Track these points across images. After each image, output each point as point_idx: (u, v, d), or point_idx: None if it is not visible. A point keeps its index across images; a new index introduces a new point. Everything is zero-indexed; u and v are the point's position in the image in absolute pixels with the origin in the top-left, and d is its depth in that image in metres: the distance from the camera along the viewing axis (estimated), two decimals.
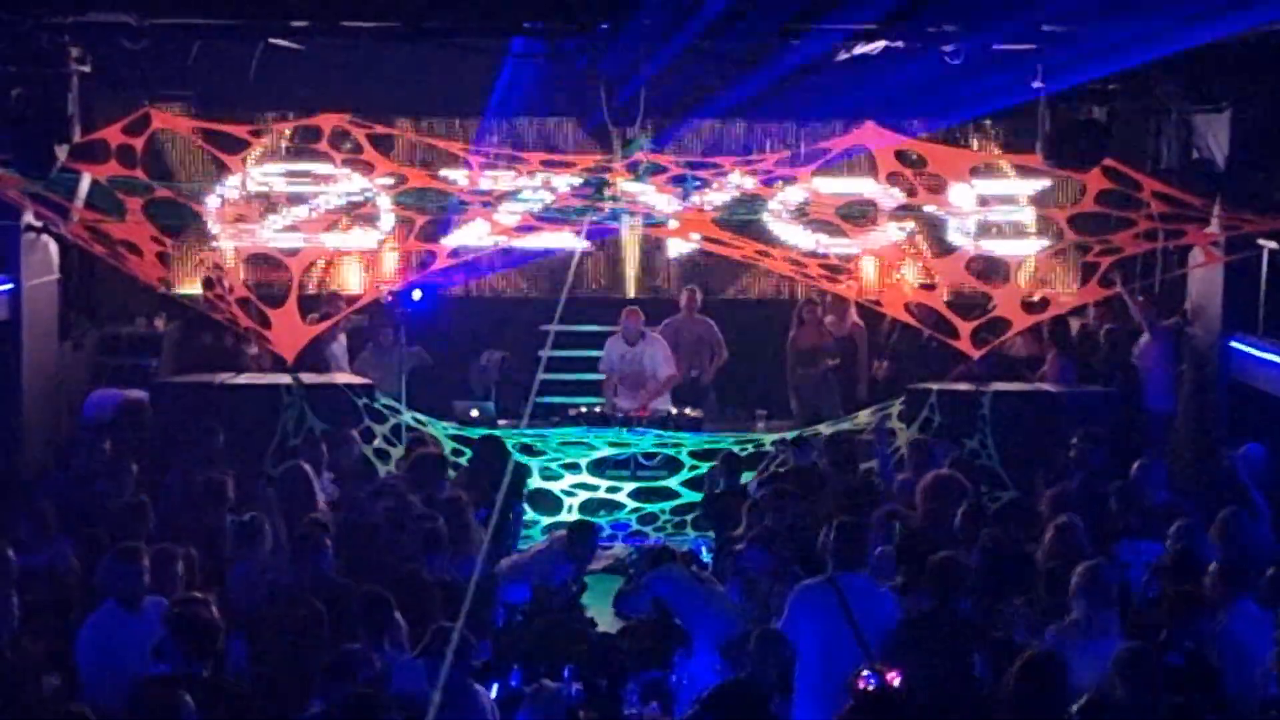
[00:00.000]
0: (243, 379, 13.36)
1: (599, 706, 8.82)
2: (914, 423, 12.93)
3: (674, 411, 14.37)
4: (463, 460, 12.72)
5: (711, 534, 12.45)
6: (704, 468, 13.12)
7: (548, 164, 13.26)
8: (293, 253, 13.69)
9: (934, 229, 14.92)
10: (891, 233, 13.99)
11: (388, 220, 14.36)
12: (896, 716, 7.00)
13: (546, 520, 13.20)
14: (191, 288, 15.29)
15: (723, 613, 9.50)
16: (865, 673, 7.24)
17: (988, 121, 15.61)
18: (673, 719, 8.77)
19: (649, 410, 14.28)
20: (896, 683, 7.14)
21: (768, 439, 13.30)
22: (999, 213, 14.58)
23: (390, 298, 14.57)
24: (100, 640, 8.04)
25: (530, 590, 10.21)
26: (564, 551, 10.63)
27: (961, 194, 13.71)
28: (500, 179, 13.57)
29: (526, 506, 13.08)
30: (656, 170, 12.77)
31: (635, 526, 13.49)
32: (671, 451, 13.68)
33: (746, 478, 12.38)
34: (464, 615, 7.33)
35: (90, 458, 11.43)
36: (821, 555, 8.83)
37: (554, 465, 13.51)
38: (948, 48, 10.84)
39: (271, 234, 14.02)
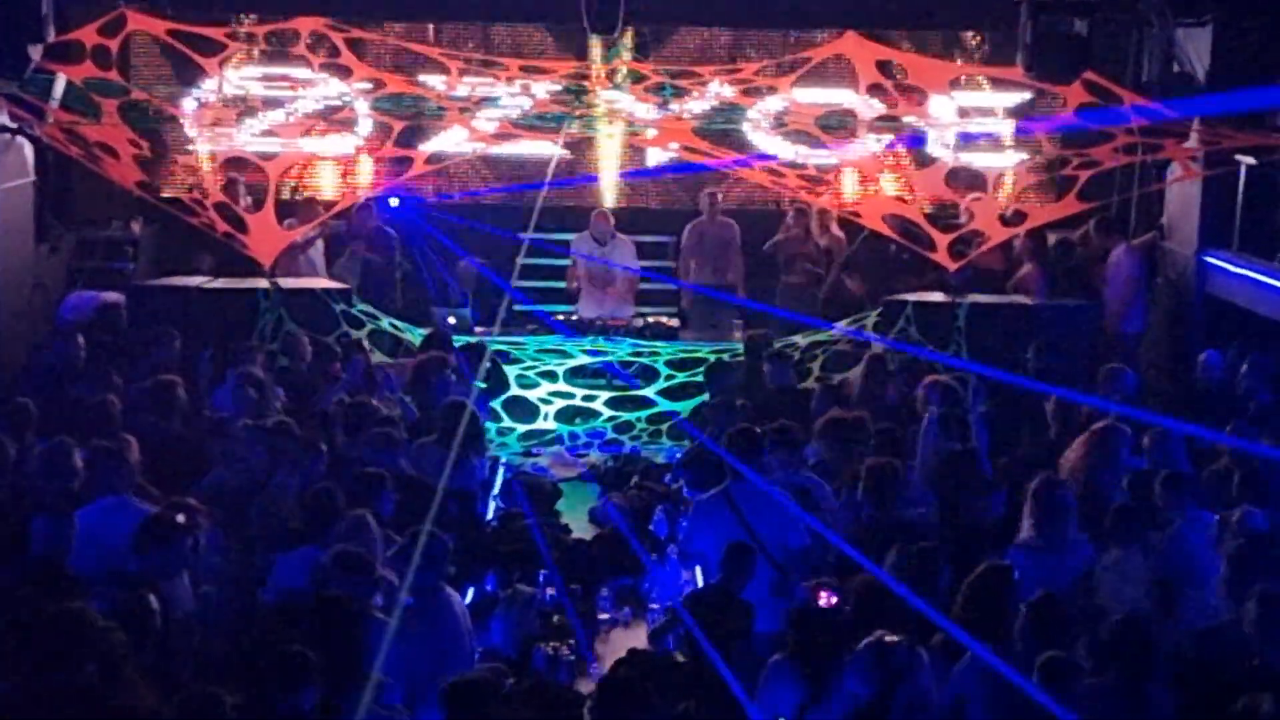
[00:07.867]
0: (220, 283, 13.32)
1: (573, 611, 8.93)
2: (889, 333, 12.97)
3: (649, 319, 14.42)
4: None
5: (687, 443, 12.55)
6: (680, 377, 13.17)
7: (526, 70, 13.17)
8: (270, 157, 13.61)
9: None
10: (870, 144, 13.95)
11: (365, 125, 14.26)
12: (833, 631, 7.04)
13: (523, 428, 13.25)
14: (170, 191, 15.21)
15: None
16: (825, 591, 7.37)
17: (970, 34, 15.51)
18: (645, 623, 8.89)
19: (613, 314, 14.35)
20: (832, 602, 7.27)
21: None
22: (978, 125, 14.52)
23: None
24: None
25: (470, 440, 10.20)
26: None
27: (941, 106, 13.66)
28: (478, 85, 13.48)
29: (502, 413, 13.14)
30: (636, 78, 12.69)
31: (611, 435, 13.54)
32: (648, 360, 13.71)
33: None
34: (431, 516, 7.36)
35: (66, 360, 11.41)
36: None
37: (530, 373, 13.53)
38: None
39: (248, 138, 13.93)
